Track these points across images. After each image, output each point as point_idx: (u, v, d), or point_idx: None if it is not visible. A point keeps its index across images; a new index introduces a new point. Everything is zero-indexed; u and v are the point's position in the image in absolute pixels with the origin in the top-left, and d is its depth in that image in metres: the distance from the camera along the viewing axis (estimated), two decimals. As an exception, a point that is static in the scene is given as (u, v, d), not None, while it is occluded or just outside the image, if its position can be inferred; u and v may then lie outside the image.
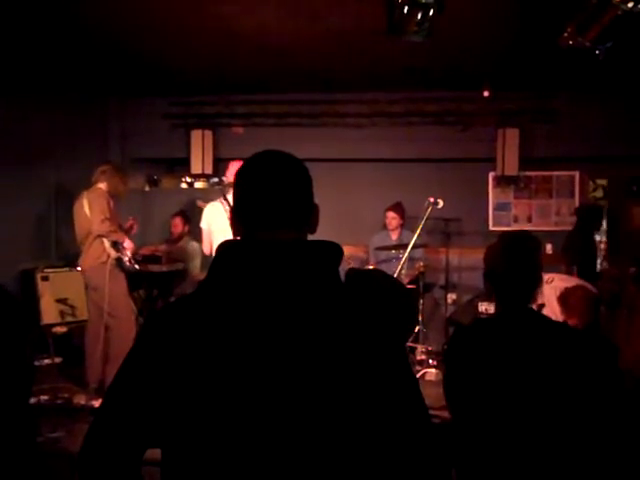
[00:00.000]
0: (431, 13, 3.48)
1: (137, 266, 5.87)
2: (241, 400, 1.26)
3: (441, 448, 1.40)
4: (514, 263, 2.34)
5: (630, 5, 3.00)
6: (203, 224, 5.78)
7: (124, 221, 6.05)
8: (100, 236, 5.60)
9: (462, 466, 2.28)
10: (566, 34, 3.80)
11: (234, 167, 5.70)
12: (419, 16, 3.49)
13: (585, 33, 3.66)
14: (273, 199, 1.39)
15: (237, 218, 1.45)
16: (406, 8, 3.50)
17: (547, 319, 2.37)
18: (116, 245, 5.67)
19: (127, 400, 1.35)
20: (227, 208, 5.06)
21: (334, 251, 1.39)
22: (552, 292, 4.72)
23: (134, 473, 1.36)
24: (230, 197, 5.03)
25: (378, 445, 1.30)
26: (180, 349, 1.30)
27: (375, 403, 1.29)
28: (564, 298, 4.57)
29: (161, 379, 1.30)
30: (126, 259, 5.72)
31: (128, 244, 5.74)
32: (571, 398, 2.16)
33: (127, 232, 5.96)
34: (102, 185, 5.78)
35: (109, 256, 5.63)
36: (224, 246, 1.39)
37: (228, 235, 4.80)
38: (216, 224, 5.57)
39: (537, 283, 2.36)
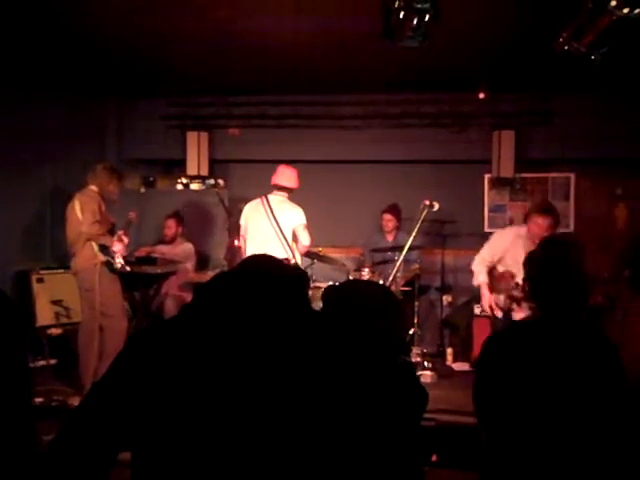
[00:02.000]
0: (427, 19, 3.48)
1: (128, 268, 5.84)
2: (207, 423, 1.31)
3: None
4: (553, 270, 2.33)
5: (626, 11, 3.01)
6: (242, 220, 5.96)
7: (120, 221, 6.05)
8: (89, 239, 5.59)
9: (493, 474, 2.25)
10: (561, 39, 3.81)
11: (284, 170, 5.88)
12: (415, 21, 3.50)
13: (580, 38, 3.66)
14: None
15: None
16: (402, 13, 3.50)
17: (588, 327, 2.35)
18: (104, 249, 5.65)
19: (102, 406, 1.41)
20: (267, 206, 5.56)
21: (298, 280, 1.48)
22: None
23: (100, 473, 1.41)
24: (280, 198, 5.35)
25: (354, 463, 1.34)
26: (156, 369, 1.37)
27: (343, 423, 1.34)
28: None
29: (136, 394, 1.36)
30: (117, 262, 5.69)
31: (118, 247, 5.72)
32: (605, 405, 2.15)
33: (127, 225, 5.96)
34: (93, 187, 5.77)
35: (99, 259, 5.63)
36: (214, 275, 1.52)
37: (265, 234, 5.05)
38: (252, 221, 5.80)
39: (580, 290, 2.34)
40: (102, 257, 5.63)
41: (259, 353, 1.33)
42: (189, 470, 1.29)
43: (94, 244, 5.62)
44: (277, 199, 5.73)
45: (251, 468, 1.27)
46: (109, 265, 5.67)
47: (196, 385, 1.32)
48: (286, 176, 5.84)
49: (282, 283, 1.44)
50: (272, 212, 5.60)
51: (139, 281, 6.87)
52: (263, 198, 5.70)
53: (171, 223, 7.59)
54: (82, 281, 5.73)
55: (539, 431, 2.14)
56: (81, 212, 5.61)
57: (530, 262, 2.43)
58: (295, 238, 5.71)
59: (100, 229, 5.61)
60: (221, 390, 1.31)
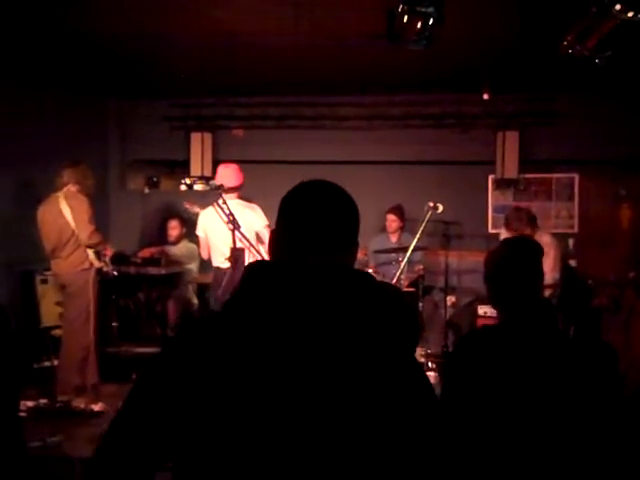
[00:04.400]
0: (431, 22, 3.48)
1: (115, 273, 5.83)
2: (260, 426, 1.25)
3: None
4: (517, 269, 2.32)
5: (630, 14, 3.00)
6: (199, 232, 5.77)
7: (118, 220, 6.05)
8: (89, 247, 5.55)
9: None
10: (566, 42, 3.81)
11: (222, 170, 5.70)
12: (419, 25, 3.50)
13: (585, 42, 3.66)
14: (322, 229, 1.40)
15: (273, 246, 1.45)
16: (406, 17, 3.50)
17: (552, 327, 2.36)
18: (99, 256, 5.63)
19: (143, 414, 1.34)
20: (222, 213, 5.03)
21: (364, 279, 1.40)
22: None
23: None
24: (230, 201, 5.01)
25: (398, 462, 1.30)
26: (203, 370, 1.29)
27: (397, 432, 1.29)
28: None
29: (180, 397, 1.29)
30: (104, 266, 5.68)
31: (109, 251, 5.72)
32: (576, 407, 2.15)
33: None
34: (73, 187, 5.62)
35: (92, 265, 5.59)
36: (255, 267, 1.40)
37: (227, 242, 4.75)
38: (213, 232, 5.56)
39: (539, 289, 2.36)
40: (97, 264, 5.60)
41: (315, 356, 1.28)
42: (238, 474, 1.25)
43: (90, 251, 5.58)
44: (230, 203, 5.14)
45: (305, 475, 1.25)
46: (100, 271, 5.65)
47: (245, 386, 1.26)
48: (225, 176, 5.52)
49: (349, 278, 1.37)
50: (230, 218, 4.99)
51: (143, 282, 6.89)
52: (215, 205, 5.21)
53: (174, 224, 7.61)
54: (69, 285, 5.63)
55: (508, 431, 2.14)
56: (73, 218, 5.50)
57: (489, 262, 2.43)
58: (260, 240, 5.36)
59: (99, 237, 5.59)
60: (271, 392, 1.25)
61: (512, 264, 2.35)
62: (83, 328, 5.57)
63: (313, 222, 1.40)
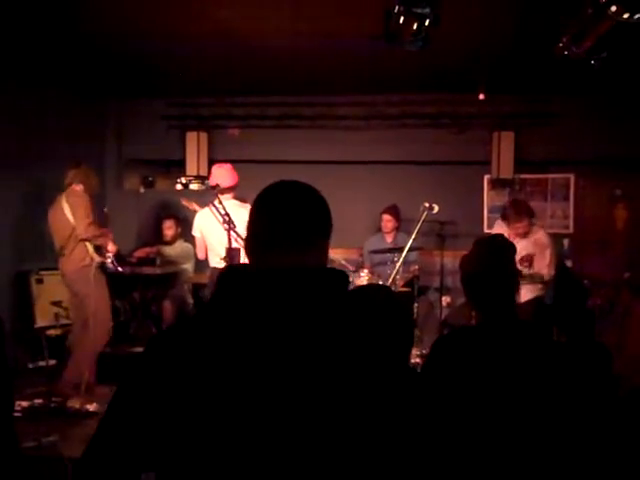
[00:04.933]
0: (427, 23, 3.48)
1: (120, 268, 5.85)
2: (238, 431, 1.25)
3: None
4: (491, 269, 2.33)
5: (626, 16, 3.01)
6: (195, 232, 5.77)
7: (116, 220, 6.05)
8: (84, 240, 5.56)
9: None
10: (561, 44, 3.81)
11: (216, 170, 5.71)
12: (415, 26, 3.50)
13: (580, 43, 3.67)
14: (285, 227, 1.42)
15: (248, 243, 1.47)
16: (402, 18, 3.50)
17: (529, 326, 2.36)
18: (99, 250, 5.64)
19: (124, 423, 1.35)
20: (218, 214, 5.03)
21: (338, 278, 1.40)
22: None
23: None
24: (226, 202, 5.00)
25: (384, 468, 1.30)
26: (180, 376, 1.30)
27: (380, 434, 1.29)
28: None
29: (159, 404, 1.30)
30: (109, 262, 5.70)
31: (111, 247, 5.72)
32: (560, 407, 2.15)
33: (104, 221, 5.95)
34: (78, 186, 5.68)
35: (92, 260, 5.59)
36: (228, 271, 1.42)
37: (224, 242, 4.74)
38: (209, 232, 5.56)
39: (515, 288, 2.36)
40: (97, 258, 5.61)
41: (295, 364, 1.28)
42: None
43: (89, 245, 5.59)
44: (226, 203, 5.12)
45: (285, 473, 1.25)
46: (103, 266, 5.66)
47: (222, 393, 1.26)
48: (220, 176, 5.54)
49: (322, 280, 1.37)
50: (225, 218, 4.95)
51: (138, 282, 6.88)
52: (211, 206, 5.20)
53: (170, 224, 7.60)
54: (72, 283, 5.67)
55: (481, 434, 2.15)
56: (72, 213, 5.55)
57: (463, 263, 2.43)
58: None
59: (96, 230, 5.58)
60: (248, 396, 1.26)
61: (486, 265, 2.35)
62: (103, 323, 5.66)
63: (278, 220, 1.42)
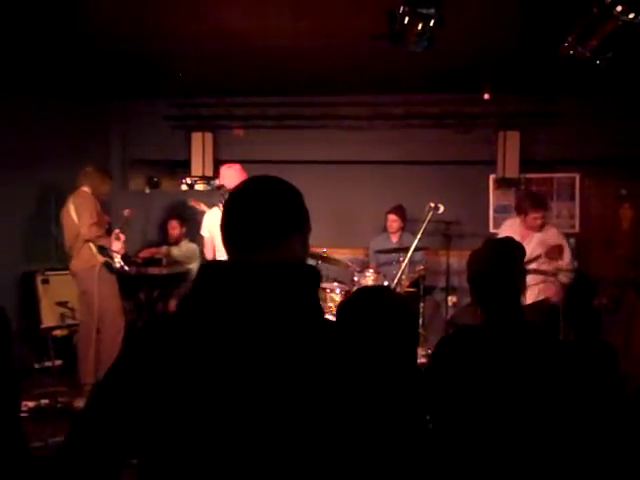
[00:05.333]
0: (431, 24, 3.47)
1: (127, 268, 5.88)
2: (206, 425, 1.29)
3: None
4: (500, 269, 2.33)
5: (631, 16, 3.00)
6: (204, 232, 5.80)
7: (115, 220, 6.07)
8: (88, 241, 5.62)
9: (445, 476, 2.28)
10: (567, 44, 3.80)
11: (225, 171, 5.72)
12: (420, 27, 3.49)
13: (585, 43, 3.65)
14: (247, 222, 1.43)
15: (222, 239, 1.50)
16: (407, 19, 3.50)
17: (534, 326, 2.36)
18: (103, 250, 5.69)
19: (104, 412, 1.38)
20: None
21: (307, 275, 1.41)
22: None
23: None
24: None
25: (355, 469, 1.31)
26: (154, 369, 1.34)
27: (347, 429, 1.30)
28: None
29: (137, 396, 1.34)
30: (116, 261, 5.75)
31: (117, 246, 5.75)
32: (560, 405, 2.15)
33: (123, 223, 6.00)
34: (86, 188, 5.82)
35: (97, 260, 5.67)
36: (204, 266, 1.44)
37: None
38: (218, 232, 5.57)
39: (521, 288, 2.36)
40: (101, 258, 5.67)
41: (261, 352, 1.30)
42: (193, 471, 1.29)
43: (92, 246, 5.67)
44: None
45: (254, 469, 1.27)
46: (108, 266, 5.72)
47: (197, 385, 1.30)
48: (229, 177, 5.56)
49: (290, 276, 1.38)
50: None
51: (144, 282, 6.89)
52: (220, 205, 5.27)
53: (174, 224, 7.61)
54: (80, 282, 5.78)
55: (484, 434, 2.15)
56: (77, 214, 5.67)
57: (471, 263, 2.43)
58: None
59: (98, 230, 5.67)
60: (223, 390, 1.29)
61: (492, 265, 2.35)
62: (113, 323, 5.72)
63: (242, 217, 1.45)
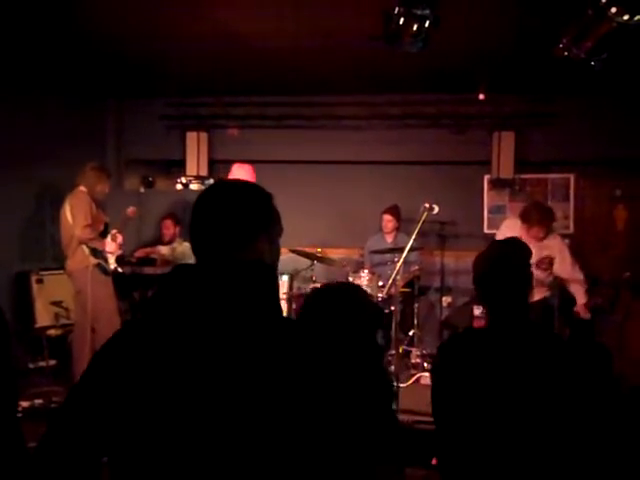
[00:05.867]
0: (427, 25, 3.47)
1: (120, 270, 5.88)
2: (172, 421, 1.31)
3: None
4: (505, 271, 2.32)
5: (626, 17, 3.01)
6: None
7: (114, 221, 6.06)
8: (81, 242, 5.63)
9: (449, 477, 2.28)
10: (562, 45, 3.81)
11: (237, 170, 5.74)
12: (415, 27, 3.49)
13: (580, 44, 3.67)
14: (211, 227, 1.48)
15: (191, 243, 1.55)
16: (402, 20, 3.50)
17: (540, 328, 2.36)
18: (96, 252, 5.68)
19: (80, 410, 1.41)
20: None
21: (262, 274, 1.43)
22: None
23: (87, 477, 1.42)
24: None
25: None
26: (123, 370, 1.38)
27: (302, 429, 1.32)
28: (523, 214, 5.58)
29: (106, 396, 1.37)
30: (110, 262, 5.74)
31: (111, 247, 5.75)
32: (566, 407, 2.15)
33: (125, 221, 6.01)
34: (82, 187, 5.80)
35: (90, 261, 5.66)
36: (174, 269, 1.48)
37: None
38: None
39: (528, 290, 2.36)
40: (93, 260, 5.65)
41: (219, 351, 1.33)
42: (163, 470, 1.32)
43: (85, 247, 5.66)
44: None
45: (224, 468, 1.29)
46: (102, 267, 5.70)
47: (164, 385, 1.33)
48: (238, 175, 5.61)
49: (249, 276, 1.41)
50: None
51: (138, 282, 6.88)
52: None
53: (168, 224, 7.60)
54: (75, 282, 5.77)
55: (490, 436, 2.15)
56: (71, 215, 5.65)
57: (477, 264, 2.43)
58: None
59: (91, 233, 5.65)
60: (191, 389, 1.32)
61: (500, 266, 2.35)
62: (109, 323, 5.67)
63: (204, 223, 1.49)
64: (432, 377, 2.42)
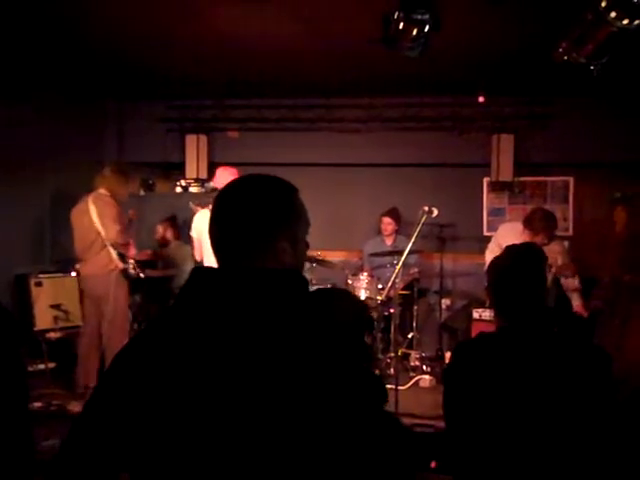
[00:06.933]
0: (426, 29, 3.48)
1: (142, 274, 5.81)
2: (194, 432, 1.27)
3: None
4: (520, 277, 2.31)
5: (625, 22, 3.01)
6: (193, 232, 5.77)
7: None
8: (113, 246, 5.51)
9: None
10: (561, 49, 3.81)
11: (221, 173, 5.70)
12: (414, 32, 3.50)
13: (580, 48, 3.67)
14: (230, 229, 1.40)
15: (211, 245, 1.47)
16: (402, 24, 3.50)
17: (553, 333, 2.35)
18: (123, 257, 5.60)
19: (95, 427, 1.37)
20: None
21: (291, 281, 1.37)
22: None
23: None
24: None
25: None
26: (145, 377, 1.33)
27: (327, 437, 1.28)
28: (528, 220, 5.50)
29: (126, 410, 1.32)
30: (131, 267, 5.68)
31: (132, 252, 5.71)
32: (575, 412, 2.15)
33: (128, 224, 5.89)
34: (104, 190, 5.61)
35: (116, 266, 5.55)
36: (192, 273, 1.41)
37: None
38: (206, 234, 5.55)
39: (543, 296, 2.35)
40: (121, 264, 5.57)
41: (244, 360, 1.28)
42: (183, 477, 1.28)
43: (113, 251, 5.54)
44: None
45: (250, 475, 1.26)
46: (125, 272, 5.63)
47: (184, 390, 1.28)
48: (222, 178, 5.54)
49: (276, 281, 1.34)
50: None
51: (139, 285, 6.87)
52: (209, 207, 5.19)
53: (166, 226, 7.58)
54: (94, 287, 5.63)
55: (504, 440, 2.14)
56: (100, 218, 5.48)
57: (493, 270, 2.42)
58: None
59: (126, 238, 5.57)
60: (209, 395, 1.27)
61: (515, 272, 2.34)
62: (122, 328, 5.65)
63: (223, 225, 1.42)
64: (446, 381, 2.40)
